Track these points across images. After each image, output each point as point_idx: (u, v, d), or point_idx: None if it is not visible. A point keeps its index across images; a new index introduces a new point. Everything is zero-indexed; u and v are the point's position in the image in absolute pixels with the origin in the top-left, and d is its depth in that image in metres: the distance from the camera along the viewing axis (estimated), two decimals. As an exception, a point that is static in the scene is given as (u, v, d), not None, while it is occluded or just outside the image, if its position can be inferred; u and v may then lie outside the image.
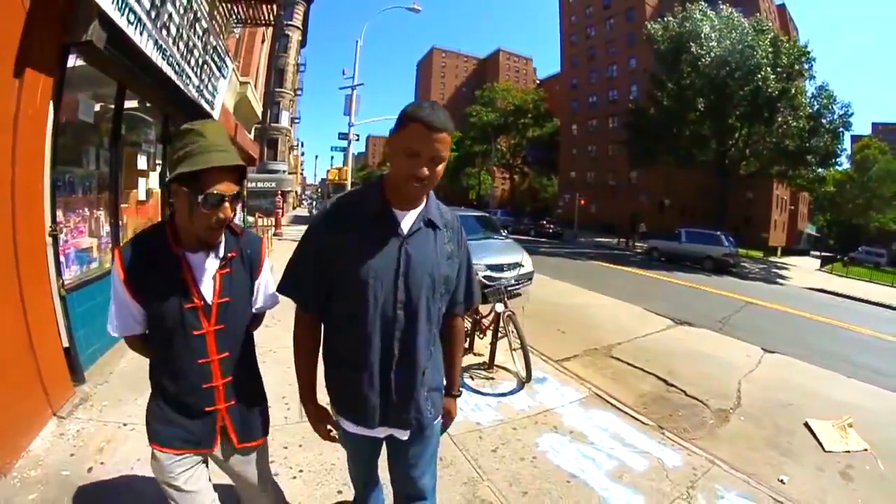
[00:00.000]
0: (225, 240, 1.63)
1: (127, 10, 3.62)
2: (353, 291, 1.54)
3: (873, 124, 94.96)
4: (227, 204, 1.48)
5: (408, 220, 1.58)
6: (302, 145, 70.90)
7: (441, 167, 1.48)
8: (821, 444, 4.44)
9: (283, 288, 1.69)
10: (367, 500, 1.99)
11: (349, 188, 23.71)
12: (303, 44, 44.44)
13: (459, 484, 3.10)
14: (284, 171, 40.01)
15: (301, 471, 3.05)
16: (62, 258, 3.71)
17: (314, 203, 57.13)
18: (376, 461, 1.93)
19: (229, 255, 1.64)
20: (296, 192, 56.77)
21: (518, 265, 8.94)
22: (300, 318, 1.69)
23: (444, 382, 1.88)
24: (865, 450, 4.40)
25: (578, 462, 3.59)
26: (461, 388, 2.00)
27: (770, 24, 29.27)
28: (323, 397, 1.76)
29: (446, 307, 1.75)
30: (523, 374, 5.00)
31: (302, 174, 74.06)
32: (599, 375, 5.82)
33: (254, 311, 1.78)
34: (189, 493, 1.65)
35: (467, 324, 5.56)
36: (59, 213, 3.75)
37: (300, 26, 41.75)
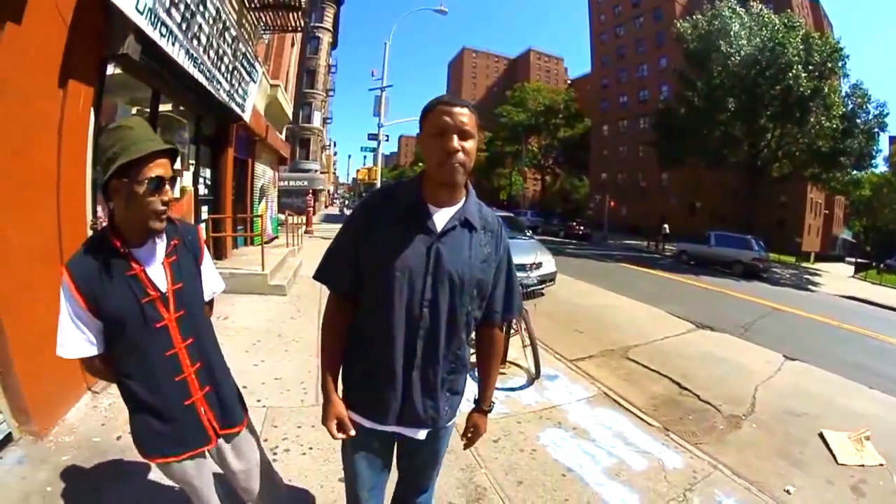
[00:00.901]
0: (165, 230, 1.64)
1: (160, 24, 3.87)
2: (379, 283, 1.53)
3: None
4: (167, 186, 1.52)
5: (442, 218, 1.56)
6: (334, 145, 71.84)
7: (472, 145, 1.48)
8: (834, 457, 4.32)
9: (318, 275, 1.69)
10: None
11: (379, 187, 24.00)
12: (333, 45, 45.05)
13: (457, 469, 3.23)
14: (316, 171, 40.72)
15: (311, 448, 3.29)
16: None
17: (346, 202, 57.82)
18: (388, 463, 1.83)
19: (172, 242, 1.67)
20: (328, 191, 57.60)
21: (539, 265, 8.94)
22: (331, 301, 1.70)
23: (476, 395, 1.85)
24: (881, 465, 4.27)
25: (577, 457, 3.67)
26: (493, 402, 1.90)
27: (801, 20, 28.38)
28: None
29: (483, 314, 1.71)
30: (533, 371, 5.12)
31: (335, 173, 75.05)
32: (612, 376, 5.86)
33: (206, 297, 1.82)
34: (198, 486, 1.77)
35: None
36: (99, 209, 4.03)
37: (330, 28, 42.36)
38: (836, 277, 28.26)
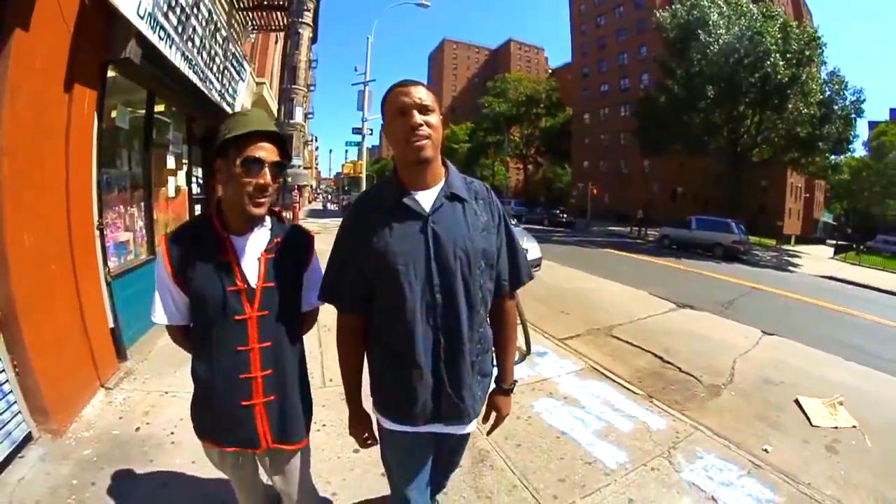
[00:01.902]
0: (272, 226, 1.63)
1: (158, 27, 3.99)
2: (388, 283, 1.48)
3: (891, 110, 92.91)
4: (266, 170, 1.48)
5: (428, 199, 1.52)
6: (316, 140, 71.41)
7: (436, 119, 1.47)
8: (809, 420, 4.61)
9: (324, 295, 1.65)
10: None
11: (364, 181, 24.14)
12: (314, 40, 44.60)
13: (460, 438, 3.50)
14: (300, 167, 40.49)
15: (324, 425, 3.46)
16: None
17: (329, 197, 57.49)
18: (429, 462, 1.76)
19: (276, 239, 1.61)
20: (311, 187, 57.28)
21: (525, 252, 9.18)
22: (341, 320, 1.65)
23: (495, 373, 1.81)
24: (854, 426, 4.55)
25: (569, 422, 3.93)
26: (514, 380, 1.86)
27: (780, 9, 28.89)
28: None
29: (493, 285, 1.65)
30: (524, 348, 5.37)
31: (317, 169, 74.64)
32: (598, 352, 6.09)
33: (305, 306, 1.73)
34: (234, 480, 1.82)
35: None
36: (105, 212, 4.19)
37: (311, 23, 41.93)
38: (816, 259, 28.93)
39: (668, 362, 5.91)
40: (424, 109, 1.44)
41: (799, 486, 3.27)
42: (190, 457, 2.85)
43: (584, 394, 4.56)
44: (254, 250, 1.57)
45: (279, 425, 1.64)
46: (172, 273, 1.51)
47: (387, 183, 1.59)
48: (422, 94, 1.45)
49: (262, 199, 1.50)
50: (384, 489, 2.77)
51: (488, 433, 1.88)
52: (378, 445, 1.78)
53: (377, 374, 1.65)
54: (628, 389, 4.77)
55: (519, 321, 5.33)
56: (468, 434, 1.81)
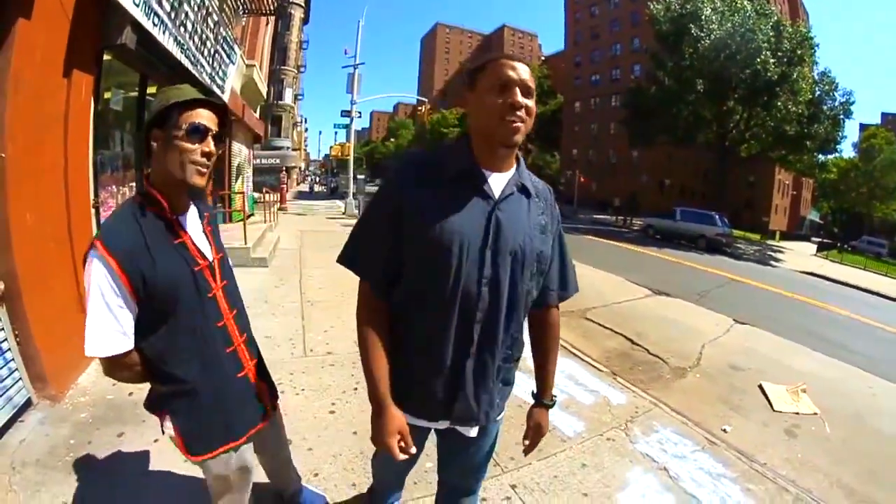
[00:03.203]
0: (195, 203, 1.61)
1: (152, 14, 4.15)
2: (430, 261, 1.32)
3: (882, 114, 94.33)
4: (210, 138, 1.41)
5: (499, 183, 1.38)
6: (305, 121, 70.91)
7: (534, 104, 1.32)
8: (771, 405, 4.79)
9: (347, 259, 1.46)
10: (387, 499, 1.85)
11: (351, 164, 24.18)
12: (305, 21, 44.31)
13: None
14: (288, 148, 40.31)
15: (303, 389, 3.79)
16: (100, 227, 4.29)
17: (316, 179, 57.09)
18: (420, 453, 1.66)
19: (206, 213, 1.63)
20: (299, 168, 56.95)
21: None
22: (369, 303, 1.44)
23: (535, 389, 1.72)
24: (815, 413, 4.72)
25: (532, 393, 4.16)
26: (554, 396, 1.74)
27: (773, 8, 29.12)
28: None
29: (538, 293, 1.53)
30: None
31: (306, 150, 74.11)
32: (571, 333, 6.26)
33: None
34: (251, 473, 1.74)
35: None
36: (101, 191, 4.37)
37: (302, 3, 41.66)
38: (799, 255, 29.42)
39: (638, 344, 6.14)
40: (527, 91, 1.30)
41: (753, 465, 3.46)
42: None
43: None
44: (197, 226, 1.57)
45: (268, 384, 1.76)
46: (127, 281, 1.31)
47: (455, 149, 1.41)
48: (527, 74, 1.31)
49: (206, 169, 1.43)
50: (354, 445, 3.04)
51: (525, 451, 1.71)
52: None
53: (394, 361, 1.45)
54: (594, 367, 5.01)
55: None
56: (486, 450, 1.69)
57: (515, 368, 1.60)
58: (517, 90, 1.27)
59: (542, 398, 1.69)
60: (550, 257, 1.51)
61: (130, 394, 3.42)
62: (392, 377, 1.42)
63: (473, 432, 1.52)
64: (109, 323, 1.32)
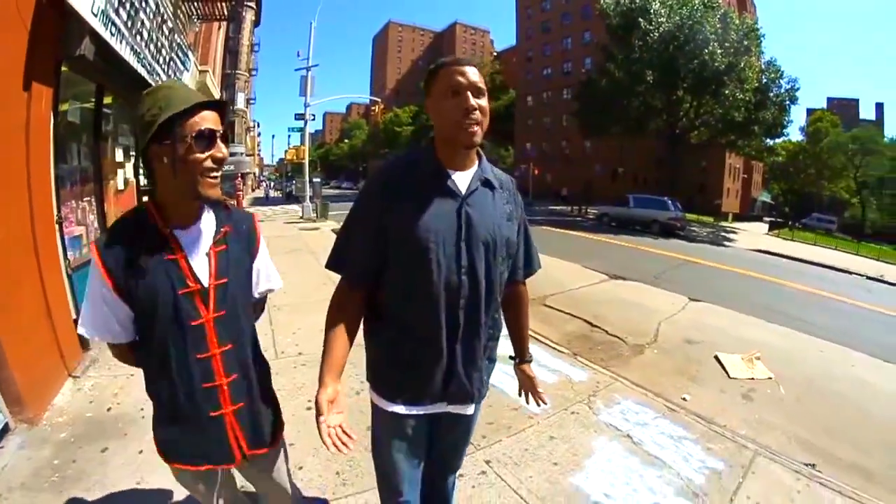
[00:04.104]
0: (216, 214, 1.46)
1: (110, 24, 4.14)
2: (413, 259, 1.44)
3: (828, 99, 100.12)
4: (219, 142, 1.32)
5: (464, 180, 1.51)
6: (258, 126, 69.64)
7: (486, 103, 1.44)
8: (727, 373, 5.08)
9: (332, 263, 1.57)
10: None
11: (307, 167, 24.00)
12: (257, 23, 43.60)
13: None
14: (242, 154, 39.57)
15: (279, 390, 3.72)
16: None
17: (271, 184, 56.05)
18: (425, 452, 1.74)
19: (223, 229, 1.45)
20: (254, 174, 55.79)
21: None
22: (345, 296, 1.54)
23: (513, 352, 1.94)
24: (770, 378, 5.02)
25: (498, 376, 4.22)
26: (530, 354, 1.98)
27: (720, 0, 30.22)
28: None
29: (508, 273, 1.67)
30: None
31: (259, 155, 72.74)
32: (531, 319, 6.29)
33: (256, 295, 1.60)
34: (204, 497, 1.60)
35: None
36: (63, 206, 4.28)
37: (253, 6, 41.01)
38: (752, 235, 30.70)
39: (597, 326, 6.39)
40: (478, 92, 1.41)
41: (712, 427, 3.71)
42: (161, 427, 3.09)
43: (511, 354, 4.91)
44: (201, 244, 1.41)
45: (252, 432, 1.52)
46: (114, 285, 1.30)
47: (423, 155, 1.54)
48: (477, 77, 1.41)
49: (218, 175, 1.34)
50: None
51: (537, 400, 1.93)
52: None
53: (387, 354, 1.58)
54: (555, 349, 5.23)
55: None
56: (471, 423, 1.79)
57: (497, 345, 1.72)
58: (468, 94, 1.39)
59: (523, 357, 1.92)
60: (517, 241, 1.66)
61: (109, 409, 3.44)
62: (392, 369, 1.57)
63: (470, 409, 1.66)
64: (105, 315, 1.35)
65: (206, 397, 1.41)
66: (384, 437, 1.67)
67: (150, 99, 1.29)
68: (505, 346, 1.83)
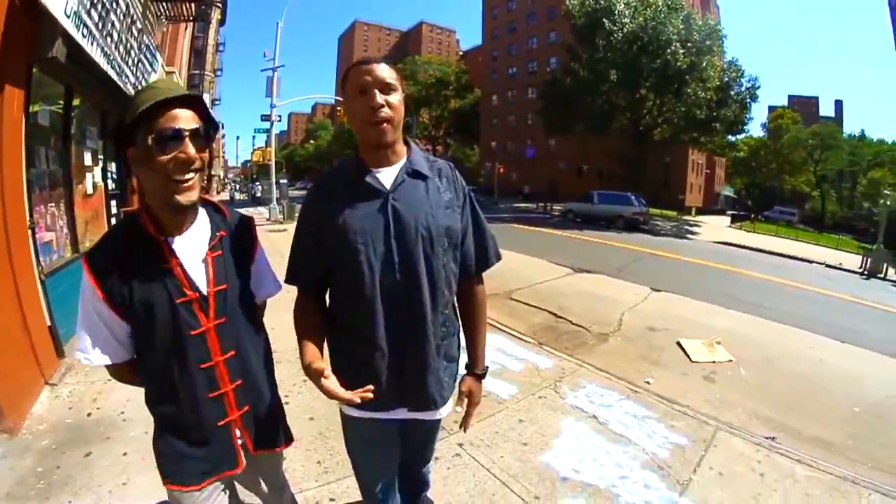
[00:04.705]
0: (210, 218, 1.42)
1: (82, 25, 4.13)
2: (347, 263, 1.43)
3: (789, 96, 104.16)
4: (187, 141, 1.20)
5: (389, 176, 1.48)
6: (223, 127, 68.32)
7: (397, 99, 1.42)
8: (689, 357, 5.30)
9: (289, 278, 1.59)
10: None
11: (273, 168, 23.81)
12: (223, 22, 42.81)
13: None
14: (208, 156, 38.82)
15: None
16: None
17: (237, 187, 55.00)
18: (398, 452, 1.73)
19: (218, 234, 1.40)
20: (219, 177, 54.59)
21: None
22: (302, 305, 1.57)
23: (467, 360, 1.75)
24: (730, 360, 5.26)
25: (464, 368, 4.47)
26: (486, 366, 1.78)
27: (683, 2, 31.06)
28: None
29: (459, 266, 1.60)
30: None
31: (224, 157, 71.25)
32: (498, 313, 6.55)
33: (258, 299, 1.55)
34: None
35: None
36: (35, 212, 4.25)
37: (219, 4, 40.27)
38: (714, 227, 31.61)
39: (562, 317, 6.61)
40: (386, 88, 1.40)
41: (675, 406, 3.95)
42: (143, 427, 2.97)
43: None
44: (197, 250, 1.35)
45: (258, 433, 1.49)
46: (107, 300, 1.24)
47: (348, 161, 1.56)
48: (384, 73, 1.40)
49: (189, 179, 1.24)
50: (313, 428, 3.24)
51: (462, 426, 1.75)
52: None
53: (337, 356, 1.57)
54: (521, 339, 5.42)
55: None
56: (438, 421, 1.75)
57: (456, 343, 1.69)
58: (375, 91, 1.38)
59: (474, 369, 1.73)
60: (463, 229, 1.59)
61: (89, 414, 3.43)
62: (341, 373, 1.44)
63: (436, 415, 1.61)
64: (103, 334, 1.29)
65: (212, 406, 1.37)
66: (352, 441, 1.68)
67: (135, 101, 1.21)
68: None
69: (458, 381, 1.74)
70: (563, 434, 3.42)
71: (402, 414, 1.56)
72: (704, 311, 7.67)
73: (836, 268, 17.61)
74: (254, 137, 36.76)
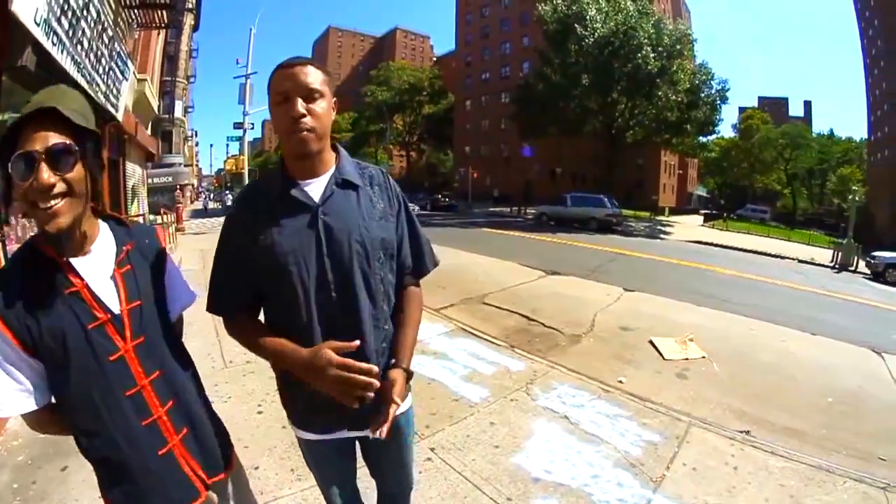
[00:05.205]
0: (114, 233, 1.30)
1: (52, 33, 4.12)
2: (278, 285, 1.34)
3: (759, 98, 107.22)
4: (42, 165, 1.04)
5: (318, 188, 1.37)
6: (196, 135, 67.35)
7: (323, 106, 1.30)
8: (661, 355, 5.35)
9: (211, 307, 1.44)
10: None
11: (246, 176, 23.61)
12: (196, 28, 42.35)
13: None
14: (181, 164, 38.21)
15: (230, 397, 3.93)
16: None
17: (210, 195, 54.10)
18: (354, 471, 1.69)
19: (124, 248, 1.29)
20: (192, 185, 53.68)
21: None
22: (234, 326, 1.46)
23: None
24: (703, 357, 5.32)
25: (438, 371, 4.56)
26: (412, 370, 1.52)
27: (655, 7, 31.79)
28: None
29: (395, 276, 1.51)
30: None
31: (198, 166, 70.14)
32: (471, 317, 6.65)
33: (173, 314, 1.42)
34: None
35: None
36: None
37: (192, 9, 39.83)
38: (688, 227, 32.29)
39: (534, 320, 6.63)
40: (310, 95, 1.28)
41: (647, 404, 3.96)
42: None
43: (452, 349, 5.15)
44: (103, 269, 1.24)
45: (204, 457, 1.37)
46: (14, 338, 1.11)
47: (272, 174, 1.43)
48: (308, 77, 1.28)
49: (51, 206, 1.07)
50: (286, 437, 3.22)
51: (374, 423, 1.33)
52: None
53: (283, 380, 1.48)
54: (493, 343, 5.45)
55: None
56: (402, 445, 1.63)
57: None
58: (297, 99, 1.27)
59: (399, 363, 1.46)
60: (399, 238, 1.51)
61: None
62: (290, 399, 1.48)
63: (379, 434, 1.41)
64: (16, 379, 1.13)
65: (149, 435, 1.24)
66: (308, 460, 1.62)
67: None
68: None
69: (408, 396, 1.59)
70: (535, 435, 3.45)
71: (345, 434, 1.48)
72: (676, 308, 7.77)
73: (808, 263, 18.09)
74: (227, 145, 36.35)
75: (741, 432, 3.66)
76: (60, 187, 1.07)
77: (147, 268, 1.33)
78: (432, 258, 1.64)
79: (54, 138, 1.06)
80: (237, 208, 1.43)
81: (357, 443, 1.62)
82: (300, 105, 1.26)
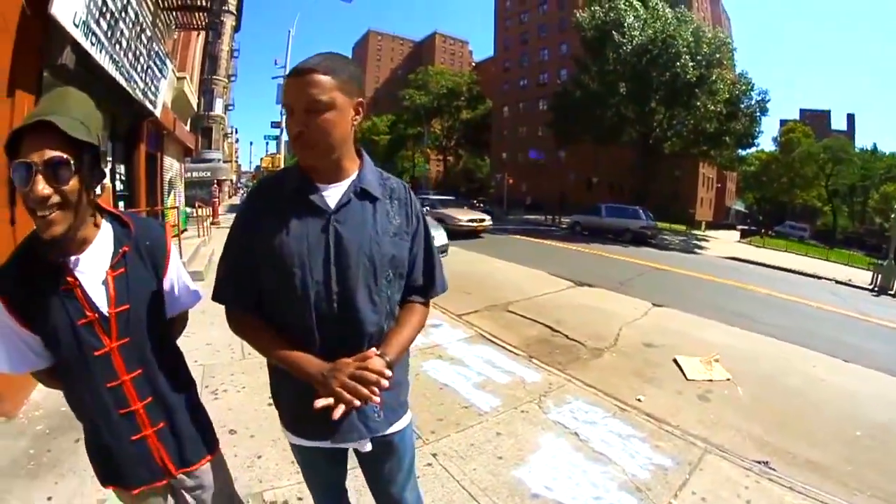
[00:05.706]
0: (114, 233, 1.35)
1: (91, 34, 4.29)
2: (281, 286, 1.30)
3: (801, 110, 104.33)
4: (38, 177, 1.08)
5: (334, 195, 1.33)
6: (236, 132, 68.99)
7: (326, 117, 1.22)
8: (684, 375, 5.19)
9: (217, 295, 1.40)
10: None
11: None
12: (237, 29, 43.37)
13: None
14: (219, 160, 39.24)
15: (244, 387, 4.08)
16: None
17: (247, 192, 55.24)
18: (344, 476, 1.68)
19: (121, 250, 1.34)
20: (231, 181, 55.08)
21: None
22: (237, 321, 1.41)
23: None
24: (728, 379, 5.14)
25: (452, 377, 4.58)
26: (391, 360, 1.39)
27: (693, 15, 31.04)
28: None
29: (402, 294, 1.46)
30: None
31: (237, 162, 71.73)
32: (493, 324, 6.60)
33: (169, 315, 1.49)
34: None
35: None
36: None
37: (234, 11, 40.79)
38: (724, 242, 31.37)
39: (557, 331, 6.55)
40: (313, 108, 1.21)
41: (663, 426, 3.80)
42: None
43: (469, 356, 5.15)
44: (98, 270, 1.30)
45: (178, 452, 1.44)
46: (17, 318, 1.23)
47: (289, 172, 1.39)
48: (312, 89, 1.20)
49: (47, 215, 1.13)
50: None
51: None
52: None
53: (276, 384, 1.49)
54: (511, 352, 5.39)
55: None
56: (398, 465, 1.59)
57: (401, 372, 1.52)
58: (297, 114, 1.23)
59: (382, 348, 1.32)
60: (412, 258, 1.45)
61: None
62: (282, 403, 1.48)
63: (368, 446, 1.43)
64: (17, 346, 1.28)
65: (124, 423, 1.34)
66: (298, 462, 1.62)
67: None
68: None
69: (404, 414, 1.57)
70: (541, 450, 3.38)
71: (327, 444, 1.43)
72: (704, 326, 7.56)
73: (845, 284, 17.30)
74: (266, 144, 37.17)
75: (759, 462, 3.48)
76: (55, 199, 1.12)
77: (143, 270, 1.37)
78: (443, 283, 1.57)
79: (51, 152, 1.10)
80: (249, 202, 1.40)
81: (355, 454, 1.56)
82: (299, 121, 1.22)
